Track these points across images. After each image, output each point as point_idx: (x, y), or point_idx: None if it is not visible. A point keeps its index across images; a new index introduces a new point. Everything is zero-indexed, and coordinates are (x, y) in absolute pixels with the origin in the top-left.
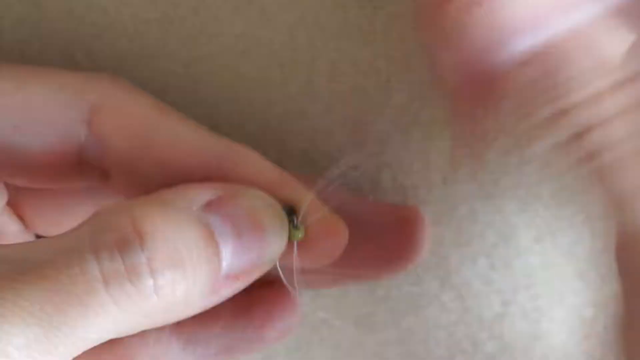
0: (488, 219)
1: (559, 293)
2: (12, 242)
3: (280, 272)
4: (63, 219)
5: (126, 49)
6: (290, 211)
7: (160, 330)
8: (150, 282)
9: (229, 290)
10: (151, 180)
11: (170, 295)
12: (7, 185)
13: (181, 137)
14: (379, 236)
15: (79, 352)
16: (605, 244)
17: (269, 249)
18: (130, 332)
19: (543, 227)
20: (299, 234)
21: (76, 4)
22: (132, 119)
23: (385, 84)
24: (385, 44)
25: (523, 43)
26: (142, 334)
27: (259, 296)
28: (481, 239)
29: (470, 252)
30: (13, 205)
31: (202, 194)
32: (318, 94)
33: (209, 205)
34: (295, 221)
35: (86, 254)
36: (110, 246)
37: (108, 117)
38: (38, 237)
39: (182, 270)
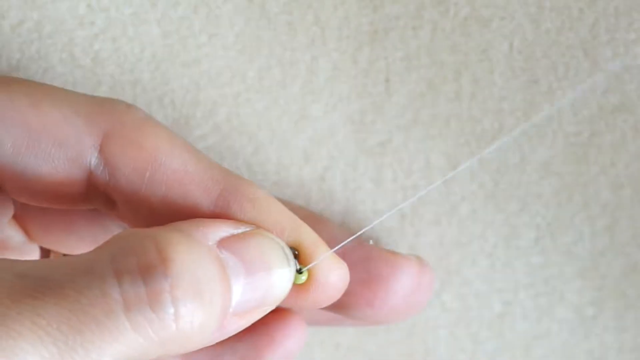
0: (488, 219)
1: (560, 292)
2: (16, 254)
3: None
4: (68, 233)
5: (126, 49)
6: (292, 254)
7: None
8: (171, 310)
9: (233, 328)
10: (156, 212)
11: (188, 325)
12: (14, 199)
13: (190, 171)
14: (373, 282)
15: None
16: (606, 244)
17: (275, 290)
18: (142, 358)
19: (543, 227)
20: (302, 278)
21: (76, 3)
22: (142, 151)
23: (385, 83)
24: (385, 43)
25: None
26: None
27: (265, 321)
28: (482, 239)
29: (470, 252)
30: (18, 218)
31: (217, 229)
32: (318, 93)
33: (222, 242)
34: (297, 264)
35: (108, 276)
36: (133, 270)
37: (118, 146)
38: (42, 249)
39: (201, 302)
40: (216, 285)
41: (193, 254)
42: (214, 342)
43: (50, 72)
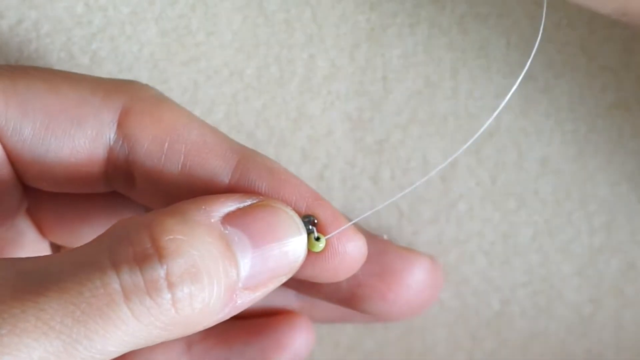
0: (486, 216)
1: (558, 290)
2: (28, 250)
3: None
4: (80, 227)
5: (125, 48)
6: (310, 222)
7: (170, 350)
8: (168, 295)
9: (246, 302)
10: (175, 184)
11: (188, 308)
12: (27, 193)
13: (208, 141)
14: (387, 275)
15: None
16: (603, 242)
17: (287, 260)
18: (148, 344)
19: (541, 224)
20: (320, 245)
21: (74, 3)
22: (161, 122)
23: (382, 81)
24: (382, 40)
25: None
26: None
27: (273, 322)
28: (480, 236)
29: (468, 250)
30: (31, 212)
31: (221, 205)
32: (316, 91)
33: (227, 217)
34: (315, 232)
35: (106, 267)
36: (130, 260)
37: (137, 119)
38: (52, 245)
39: (200, 284)
40: (217, 264)
41: (188, 237)
42: (227, 317)
43: None
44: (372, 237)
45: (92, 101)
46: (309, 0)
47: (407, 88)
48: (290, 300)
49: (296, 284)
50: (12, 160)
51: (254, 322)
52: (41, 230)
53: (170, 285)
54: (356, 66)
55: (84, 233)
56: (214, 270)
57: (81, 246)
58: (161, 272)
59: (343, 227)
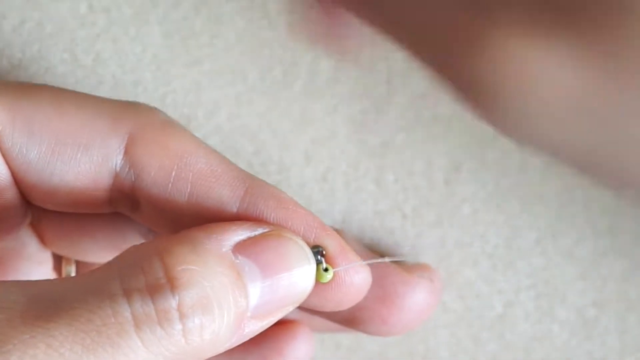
0: (490, 219)
1: (561, 294)
2: (30, 260)
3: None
4: (83, 241)
5: (128, 49)
6: (319, 252)
7: None
8: (179, 326)
9: (253, 330)
10: (181, 212)
11: (198, 339)
12: (31, 205)
13: (215, 170)
14: (388, 299)
15: None
16: (607, 245)
17: (296, 291)
18: None
19: (545, 228)
20: (328, 276)
21: (78, 4)
22: (168, 149)
23: (386, 84)
24: (386, 44)
25: None
26: None
27: (273, 332)
28: (483, 239)
29: (472, 253)
30: (34, 224)
31: (233, 234)
32: (319, 94)
33: (238, 247)
34: (324, 263)
35: (118, 295)
36: (142, 289)
37: (144, 146)
38: (54, 255)
39: (211, 316)
40: (228, 294)
41: (200, 268)
42: (233, 346)
43: (52, 72)
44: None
45: (98, 126)
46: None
47: (411, 91)
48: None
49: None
50: (17, 181)
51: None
52: (43, 241)
53: (182, 316)
54: (360, 69)
55: (87, 246)
56: (225, 301)
57: (92, 271)
58: (173, 302)
59: (354, 264)
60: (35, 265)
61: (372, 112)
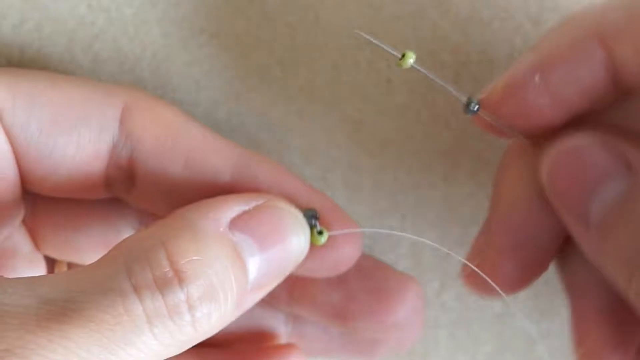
0: None
1: (560, 293)
2: (23, 261)
3: None
4: (76, 238)
5: (127, 49)
6: (313, 216)
7: None
8: (189, 318)
9: (253, 300)
10: (178, 182)
11: (205, 325)
12: (25, 203)
13: (209, 139)
14: (381, 293)
15: None
16: None
17: (291, 258)
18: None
19: None
20: (322, 239)
21: (77, 4)
22: (162, 120)
23: (386, 83)
24: (386, 43)
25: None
26: None
27: (264, 353)
28: None
29: None
30: (27, 223)
31: (227, 210)
32: (318, 93)
33: (234, 222)
34: (318, 226)
35: (128, 292)
36: (150, 285)
37: (139, 117)
38: (47, 258)
39: (217, 302)
40: (230, 276)
41: (203, 256)
42: (234, 319)
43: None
44: (367, 255)
45: (94, 99)
46: (312, 4)
47: (410, 91)
48: (278, 325)
49: (291, 299)
50: (18, 159)
51: (248, 350)
52: (36, 242)
53: (191, 308)
54: (359, 69)
55: (79, 244)
56: (228, 284)
57: (95, 264)
58: (181, 295)
59: (351, 230)
60: (29, 267)
61: (371, 111)
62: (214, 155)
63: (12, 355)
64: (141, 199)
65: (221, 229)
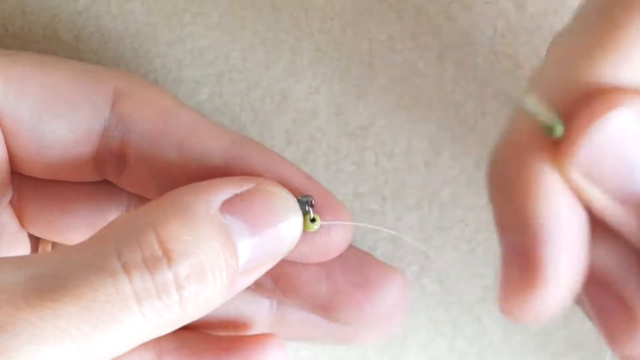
0: (470, 203)
1: None
2: (7, 240)
3: None
4: (62, 219)
5: (110, 27)
6: (308, 202)
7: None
8: (176, 297)
9: (245, 284)
10: (170, 166)
11: (193, 306)
12: (13, 184)
13: (201, 121)
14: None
15: None
16: None
17: (283, 242)
18: (150, 339)
19: None
20: (315, 227)
21: None
22: (154, 103)
23: (368, 66)
24: (368, 25)
25: None
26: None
27: (245, 341)
28: (463, 223)
29: (451, 237)
30: (13, 203)
31: (219, 192)
32: (301, 74)
33: (226, 205)
34: (311, 213)
35: (118, 272)
36: (140, 265)
37: (131, 100)
38: (31, 237)
39: (205, 282)
40: (219, 258)
41: (193, 237)
42: (224, 302)
43: (34, 49)
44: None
45: (86, 82)
46: None
47: (393, 74)
48: (262, 311)
49: (275, 288)
50: (8, 141)
51: (227, 337)
52: (22, 222)
53: (178, 287)
54: (342, 50)
55: (65, 225)
56: (217, 266)
57: (85, 243)
58: (170, 275)
59: (344, 223)
60: (13, 246)
61: (353, 94)
62: (208, 140)
63: (3, 331)
64: (132, 182)
65: (212, 211)
